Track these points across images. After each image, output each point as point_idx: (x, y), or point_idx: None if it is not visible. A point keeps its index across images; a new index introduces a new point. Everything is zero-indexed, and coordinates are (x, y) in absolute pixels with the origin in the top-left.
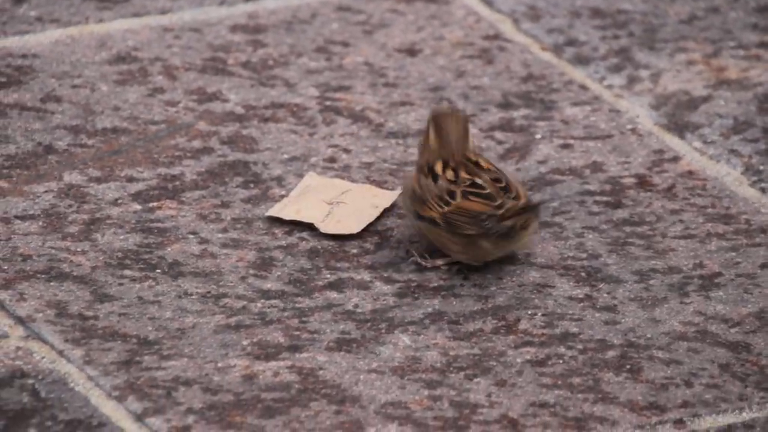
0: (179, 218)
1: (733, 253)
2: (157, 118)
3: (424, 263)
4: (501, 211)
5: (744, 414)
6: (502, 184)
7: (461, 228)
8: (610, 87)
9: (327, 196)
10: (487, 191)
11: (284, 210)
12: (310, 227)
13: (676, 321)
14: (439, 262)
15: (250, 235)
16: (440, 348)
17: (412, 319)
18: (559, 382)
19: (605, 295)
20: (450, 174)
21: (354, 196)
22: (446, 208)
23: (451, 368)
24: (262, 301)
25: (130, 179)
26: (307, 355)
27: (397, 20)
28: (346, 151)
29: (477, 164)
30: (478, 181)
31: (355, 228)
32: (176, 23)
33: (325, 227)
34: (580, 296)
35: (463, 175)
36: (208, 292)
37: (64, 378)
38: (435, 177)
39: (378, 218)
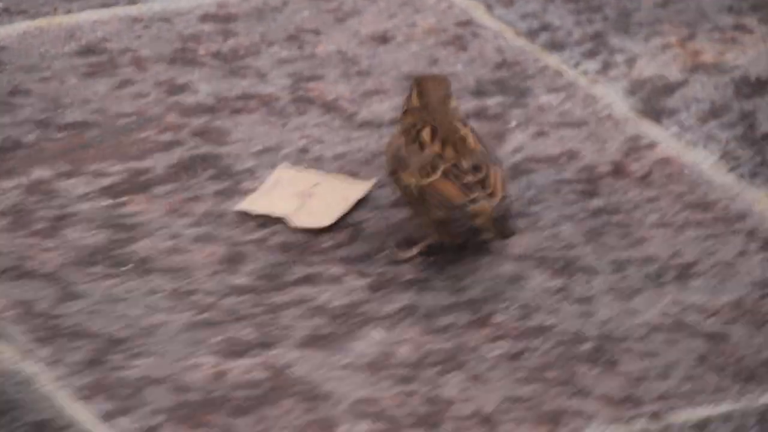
0: (149, 213)
1: (711, 242)
2: (127, 110)
3: (397, 256)
4: (470, 208)
5: (721, 406)
6: (481, 176)
7: (431, 206)
8: (584, 73)
9: (298, 189)
10: (467, 180)
11: (255, 204)
12: (281, 220)
13: (652, 312)
14: (414, 252)
15: (221, 229)
16: (413, 343)
17: (386, 312)
18: (534, 377)
19: (581, 286)
20: (437, 146)
21: (326, 188)
22: (423, 181)
23: (425, 363)
24: (233, 296)
25: (100, 174)
26: (279, 351)
27: (369, 7)
28: (319, 141)
29: (464, 140)
30: (463, 164)
31: (327, 221)
32: (145, 13)
33: (297, 221)
34: (556, 287)
35: (449, 152)
36: (178, 288)
37: (31, 378)
38: (421, 145)
39: (351, 210)
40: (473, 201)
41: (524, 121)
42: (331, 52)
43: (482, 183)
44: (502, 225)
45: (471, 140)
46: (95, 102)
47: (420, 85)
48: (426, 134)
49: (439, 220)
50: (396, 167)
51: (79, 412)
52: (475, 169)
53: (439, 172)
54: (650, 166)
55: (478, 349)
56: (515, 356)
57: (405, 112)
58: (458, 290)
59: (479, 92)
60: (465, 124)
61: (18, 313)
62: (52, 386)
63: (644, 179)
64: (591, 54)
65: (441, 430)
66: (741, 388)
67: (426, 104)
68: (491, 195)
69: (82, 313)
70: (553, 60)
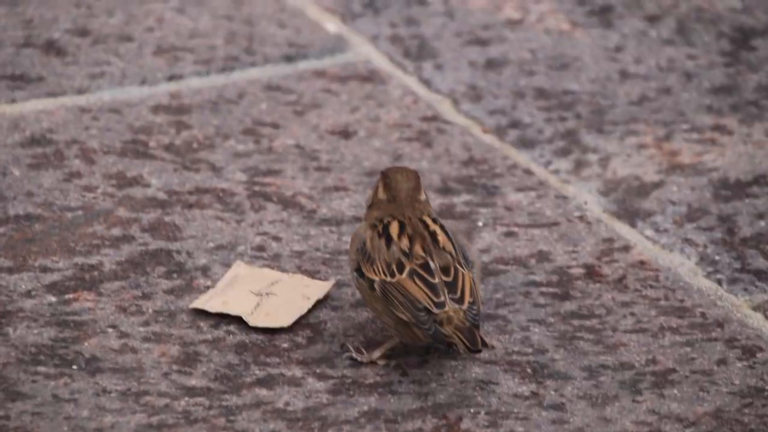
0: (97, 311)
1: (688, 349)
2: (74, 204)
3: (359, 358)
4: (437, 311)
5: None
6: (449, 278)
7: (395, 306)
8: (556, 172)
9: (255, 287)
10: (435, 281)
11: (210, 302)
12: (238, 320)
13: (628, 420)
14: (376, 354)
15: (173, 328)
16: None
17: (347, 417)
18: None
19: (552, 392)
20: (405, 243)
21: (284, 287)
22: (388, 278)
23: None
24: (187, 398)
25: (45, 269)
26: None
27: (330, 100)
28: (276, 239)
29: (434, 237)
30: (432, 264)
31: (286, 321)
32: (94, 104)
33: (254, 320)
34: (526, 393)
35: (418, 250)
36: (129, 390)
37: None
38: (389, 240)
39: (310, 310)
40: (439, 305)
41: (492, 221)
42: (290, 146)
43: (450, 286)
44: (471, 336)
45: (441, 237)
46: (40, 195)
47: (387, 177)
48: (393, 229)
49: (403, 322)
50: (360, 263)
51: None
52: (444, 270)
53: (405, 272)
54: (625, 269)
55: None
56: None
57: (371, 206)
58: (424, 395)
59: (446, 190)
60: (435, 220)
61: None
62: None
63: (618, 283)
64: (563, 152)
65: None
66: None
67: (394, 197)
68: (459, 300)
69: (27, 414)
70: (522, 158)
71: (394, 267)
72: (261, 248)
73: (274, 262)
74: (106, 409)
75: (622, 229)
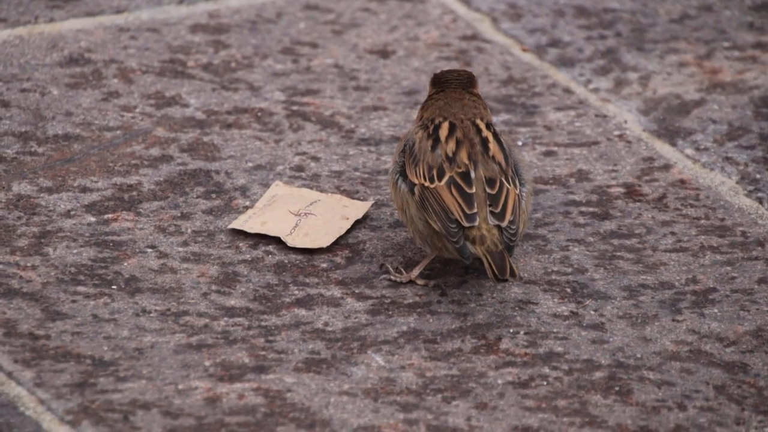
0: (136, 231)
1: (729, 268)
2: (113, 124)
3: (398, 278)
4: (467, 224)
5: None
6: (493, 191)
7: (428, 214)
8: (596, 90)
9: (294, 207)
10: (471, 192)
11: (249, 222)
12: (276, 240)
13: (668, 340)
14: (415, 273)
15: (212, 248)
16: (416, 369)
17: (386, 338)
18: (543, 405)
19: (592, 312)
20: (451, 147)
21: (323, 207)
22: (427, 183)
23: (428, 390)
24: (226, 318)
25: (84, 189)
26: (274, 376)
27: (369, 20)
28: (315, 159)
29: (485, 145)
30: (472, 174)
31: (325, 242)
32: (132, 23)
33: (293, 241)
34: (566, 313)
35: (462, 156)
36: (168, 310)
37: (14, 401)
38: (436, 141)
39: (349, 230)
40: (470, 217)
41: (532, 141)
42: (328, 65)
43: (493, 199)
44: (501, 263)
45: (492, 146)
46: (79, 115)
47: (437, 74)
48: (443, 131)
49: (435, 233)
50: (405, 164)
51: None
52: (489, 182)
53: (445, 179)
54: (665, 188)
55: (485, 376)
56: (524, 384)
57: (423, 107)
58: (463, 315)
59: None
60: (489, 126)
61: (0, 333)
62: (37, 410)
63: (658, 202)
64: (603, 71)
65: None
66: (762, 420)
67: (443, 89)
68: (499, 216)
69: (67, 333)
70: (562, 77)
71: (434, 172)
72: (299, 168)
73: (313, 182)
74: (146, 329)
75: (663, 148)
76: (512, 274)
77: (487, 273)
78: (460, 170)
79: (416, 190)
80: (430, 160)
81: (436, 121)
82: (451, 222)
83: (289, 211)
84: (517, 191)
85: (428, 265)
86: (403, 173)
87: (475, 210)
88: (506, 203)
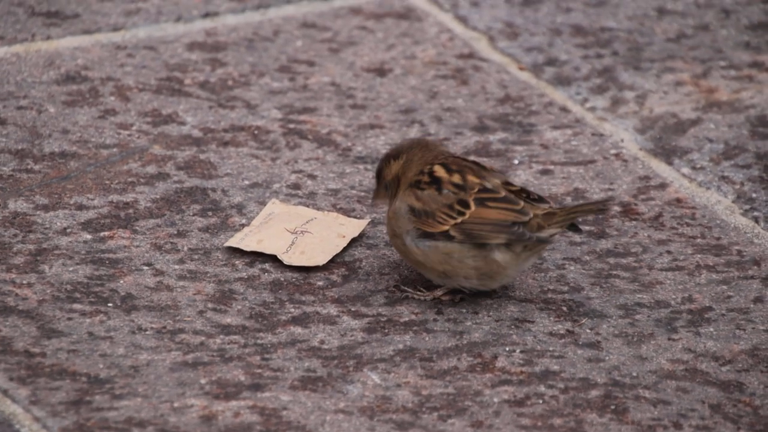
0: (132, 249)
1: (725, 287)
2: (109, 141)
3: (420, 296)
4: (525, 218)
5: None
6: (516, 187)
7: (485, 237)
8: (592, 109)
9: (291, 225)
10: (503, 195)
11: (245, 240)
12: (273, 258)
13: (663, 358)
14: (439, 292)
15: (208, 266)
16: (412, 387)
17: (382, 355)
18: (539, 424)
19: (588, 330)
20: (456, 177)
21: (319, 225)
22: (460, 218)
23: (424, 408)
24: (222, 336)
25: (80, 207)
26: (270, 394)
27: (366, 38)
28: (311, 177)
29: (479, 165)
30: (488, 185)
31: (321, 260)
32: (129, 41)
33: (289, 259)
34: (562, 332)
35: (471, 178)
36: (164, 327)
37: (9, 419)
38: (439, 184)
39: (345, 248)
40: (523, 212)
41: (528, 159)
42: (325, 84)
43: (522, 192)
44: (577, 209)
45: (486, 164)
46: (75, 132)
47: (390, 154)
48: (440, 172)
49: (483, 260)
50: (420, 226)
51: None
52: (506, 184)
53: (472, 204)
54: (661, 207)
55: (481, 395)
56: (520, 402)
57: (399, 182)
58: (459, 333)
59: (482, 128)
60: (467, 158)
61: None
62: (32, 428)
63: (655, 221)
64: (599, 90)
65: None
66: None
67: (412, 155)
68: (539, 200)
69: (63, 351)
70: (559, 95)
71: (457, 206)
72: (296, 186)
73: (309, 200)
74: (142, 346)
75: (659, 167)
76: (601, 204)
77: (589, 216)
78: (476, 189)
79: (453, 232)
80: (445, 201)
81: (426, 170)
82: (511, 227)
83: (285, 229)
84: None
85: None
86: (423, 235)
87: (522, 204)
88: (536, 193)
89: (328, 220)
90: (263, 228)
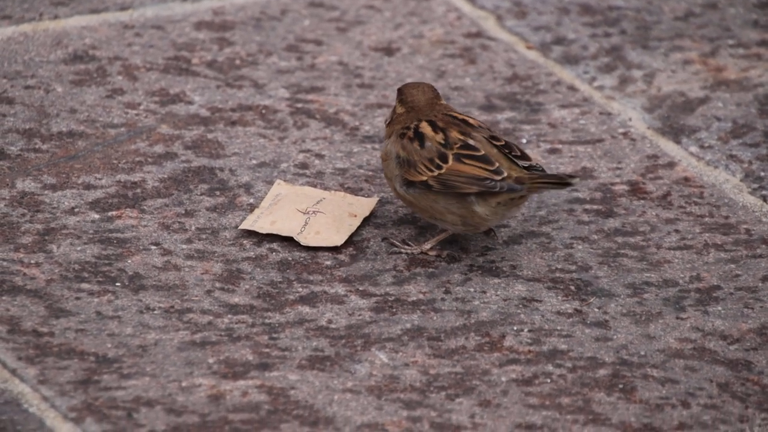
0: (140, 228)
1: (733, 265)
2: (117, 121)
3: (407, 250)
4: (498, 178)
5: None
6: (501, 143)
7: (460, 188)
8: (600, 88)
9: (301, 206)
10: (482, 153)
11: (258, 222)
12: (280, 238)
13: (671, 337)
14: (427, 246)
15: (216, 246)
16: (420, 366)
17: (390, 335)
18: (547, 403)
19: (596, 309)
20: (440, 136)
21: (330, 205)
22: (437, 171)
23: (432, 387)
24: (230, 316)
25: (88, 186)
26: (278, 373)
27: (374, 17)
28: (319, 156)
29: (466, 122)
30: (471, 141)
31: (338, 239)
32: (137, 20)
33: (305, 240)
34: (569, 311)
35: (454, 134)
36: (172, 307)
37: (17, 398)
38: (422, 140)
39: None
40: (497, 171)
41: (536, 138)
42: (333, 63)
43: (507, 147)
44: (553, 176)
45: (473, 121)
46: (83, 112)
47: (402, 92)
48: (425, 128)
49: (466, 209)
50: (404, 175)
51: None
52: (492, 138)
53: (450, 159)
54: (669, 186)
55: (489, 374)
56: (527, 381)
57: (390, 123)
58: (467, 312)
59: (489, 107)
60: (461, 113)
61: (3, 330)
62: (40, 407)
63: (663, 200)
64: (607, 69)
65: None
66: (765, 418)
67: (412, 107)
68: (521, 157)
69: (71, 331)
70: (567, 74)
71: (437, 160)
72: (304, 165)
73: (317, 179)
74: (150, 326)
75: (667, 146)
76: (570, 176)
77: (555, 188)
78: (458, 145)
79: (432, 182)
80: (427, 154)
81: (413, 125)
82: (484, 180)
83: (297, 210)
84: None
85: (441, 239)
86: (408, 183)
87: (497, 164)
88: (520, 149)
89: (337, 199)
90: (274, 209)
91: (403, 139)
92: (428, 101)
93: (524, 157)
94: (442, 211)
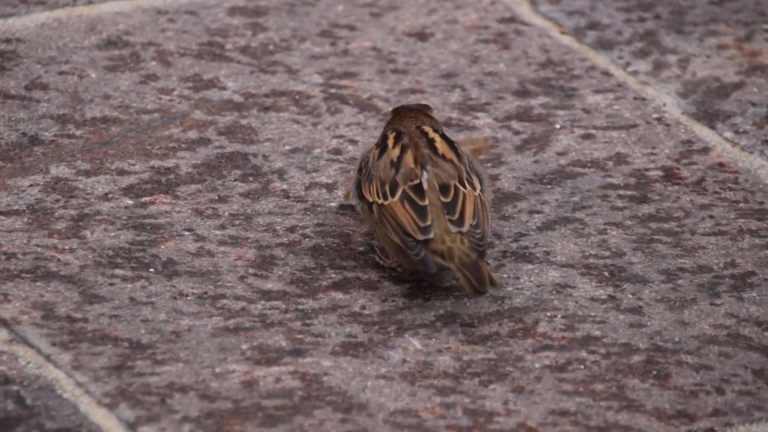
0: (174, 214)
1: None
2: (150, 106)
3: (383, 263)
4: (422, 237)
5: None
6: (448, 198)
7: (388, 229)
8: (634, 73)
9: None
10: (424, 204)
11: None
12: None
13: (706, 323)
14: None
15: (249, 232)
16: (453, 352)
17: (423, 321)
18: (581, 389)
19: (630, 295)
20: (396, 152)
21: None
22: (380, 201)
23: (465, 374)
24: (263, 302)
25: (122, 172)
26: (311, 359)
27: (407, 2)
28: (352, 141)
29: (432, 145)
30: (424, 185)
31: None
32: (171, 6)
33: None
34: (603, 297)
35: (408, 160)
36: (205, 293)
37: (52, 384)
38: (383, 150)
39: None
40: (425, 230)
41: (570, 124)
42: (366, 48)
43: (449, 207)
44: (477, 274)
45: (440, 145)
46: (117, 98)
47: (395, 110)
48: (390, 139)
49: (399, 247)
50: (360, 182)
51: (103, 419)
52: (443, 189)
53: (398, 194)
54: (703, 171)
55: (522, 360)
56: (561, 368)
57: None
58: (500, 299)
59: (523, 93)
60: (437, 131)
61: (38, 316)
62: (74, 393)
63: (697, 185)
64: (642, 54)
65: None
66: None
67: (397, 112)
68: (458, 222)
69: (105, 316)
70: (601, 60)
71: (387, 188)
72: (337, 151)
73: (351, 165)
74: (183, 312)
75: (701, 131)
76: (492, 282)
77: (465, 288)
78: (412, 183)
79: (374, 208)
80: (382, 174)
81: (386, 133)
82: (407, 236)
83: None
84: (477, 192)
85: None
86: (360, 192)
87: (429, 222)
88: (464, 208)
89: None
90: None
91: (376, 146)
92: (413, 109)
93: (461, 221)
94: (379, 235)
